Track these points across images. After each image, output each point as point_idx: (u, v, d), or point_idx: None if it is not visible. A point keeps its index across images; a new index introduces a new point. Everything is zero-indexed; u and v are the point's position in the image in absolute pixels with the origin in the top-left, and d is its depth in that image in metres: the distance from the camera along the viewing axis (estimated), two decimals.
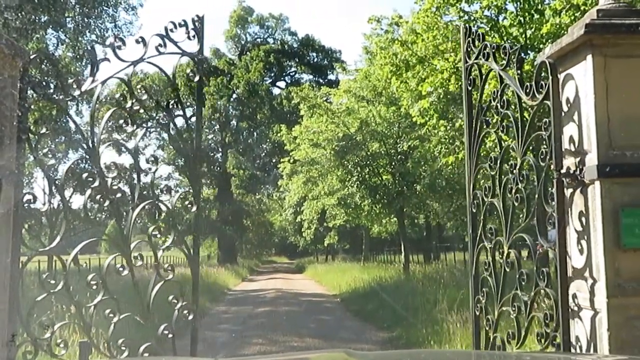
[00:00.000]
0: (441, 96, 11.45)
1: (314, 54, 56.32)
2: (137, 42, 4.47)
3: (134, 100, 4.38)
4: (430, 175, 20.07)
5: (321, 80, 51.00)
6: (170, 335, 4.42)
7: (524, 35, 10.27)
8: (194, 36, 4.83)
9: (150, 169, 4.56)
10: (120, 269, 4.25)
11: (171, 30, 4.67)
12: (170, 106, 4.67)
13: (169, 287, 4.57)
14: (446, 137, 12.54)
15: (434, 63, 11.71)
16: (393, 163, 23.76)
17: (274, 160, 47.25)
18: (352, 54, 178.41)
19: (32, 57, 3.84)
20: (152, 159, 4.59)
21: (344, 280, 25.59)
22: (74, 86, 4.03)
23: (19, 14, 17.06)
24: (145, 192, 4.61)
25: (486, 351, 4.54)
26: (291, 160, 28.65)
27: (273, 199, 55.01)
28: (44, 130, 3.94)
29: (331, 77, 52.08)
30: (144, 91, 4.48)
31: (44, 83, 3.89)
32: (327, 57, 55.17)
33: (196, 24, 4.84)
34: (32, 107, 4.10)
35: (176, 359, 4.72)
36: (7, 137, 3.60)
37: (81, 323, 3.98)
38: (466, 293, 11.67)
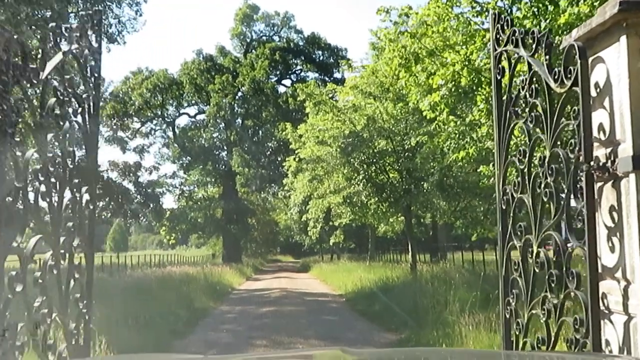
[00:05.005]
0: (452, 90, 11.14)
1: (320, 52, 56.17)
2: (66, 30, 4.31)
3: (55, 99, 4.17)
4: (439, 172, 19.69)
5: (327, 79, 50.82)
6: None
7: (538, 27, 9.95)
8: (96, 30, 4.73)
9: (64, 169, 4.29)
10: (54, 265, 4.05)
11: (85, 24, 4.57)
12: (74, 105, 4.45)
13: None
14: (456, 132, 12.25)
15: (445, 56, 11.40)
16: (400, 160, 23.41)
17: (279, 159, 47.04)
18: (358, 52, 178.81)
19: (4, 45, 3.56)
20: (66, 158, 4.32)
21: (350, 279, 25.40)
22: (36, 76, 3.82)
23: (21, 8, 16.81)
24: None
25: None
26: (296, 159, 28.36)
27: (278, 198, 54.87)
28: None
29: (337, 75, 51.93)
30: (67, 90, 4.26)
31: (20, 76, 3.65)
32: (333, 55, 54.96)
33: (95, 19, 4.73)
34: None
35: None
36: None
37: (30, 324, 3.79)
38: (477, 295, 11.39)
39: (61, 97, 4.25)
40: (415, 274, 21.73)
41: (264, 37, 57.07)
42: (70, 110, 4.43)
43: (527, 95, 4.38)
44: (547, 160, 4.11)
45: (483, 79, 10.99)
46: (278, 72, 55.46)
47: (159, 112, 52.79)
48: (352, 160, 23.50)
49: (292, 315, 16.66)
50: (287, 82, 56.48)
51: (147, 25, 77.17)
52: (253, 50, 54.66)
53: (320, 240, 46.03)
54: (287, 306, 19.38)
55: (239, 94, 52.31)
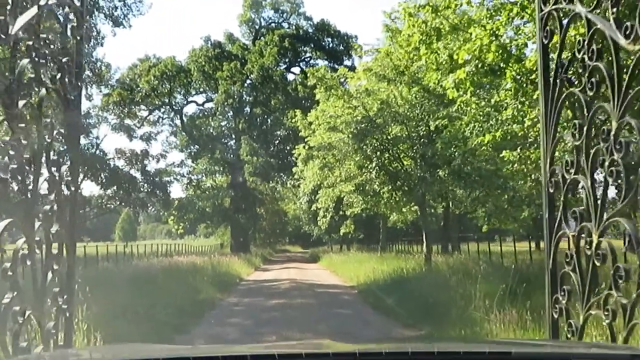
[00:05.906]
0: (479, 67, 10.38)
1: (330, 39, 55.29)
2: None
3: (29, 60, 3.57)
4: (461, 156, 18.72)
5: (336, 66, 49.92)
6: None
7: None
8: None
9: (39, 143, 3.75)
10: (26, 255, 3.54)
11: None
12: (52, 70, 3.91)
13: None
14: (480, 113, 11.50)
15: (470, 31, 10.64)
16: (415, 147, 22.59)
17: (288, 147, 46.41)
18: (368, 39, 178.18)
19: None
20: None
21: (362, 270, 24.84)
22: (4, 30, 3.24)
23: None
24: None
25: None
26: (306, 147, 27.63)
27: (287, 187, 54.30)
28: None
29: (347, 62, 51.01)
30: (44, 52, 3.70)
31: None
32: (343, 43, 54.10)
33: None
34: None
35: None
36: None
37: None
38: (505, 289, 10.62)
39: (36, 59, 3.64)
40: (430, 266, 21.07)
41: (273, 24, 56.27)
42: (48, 75, 3.83)
43: (586, 59, 3.70)
44: (613, 133, 3.43)
45: (511, 56, 10.25)
46: (287, 60, 54.64)
47: (167, 100, 52.18)
48: (364, 147, 22.70)
49: (302, 308, 16.11)
50: (297, 69, 55.70)
51: (153, 9, 76.41)
52: (262, 37, 53.89)
53: (330, 230, 45.41)
54: (297, 298, 18.82)
55: (248, 81, 51.59)
